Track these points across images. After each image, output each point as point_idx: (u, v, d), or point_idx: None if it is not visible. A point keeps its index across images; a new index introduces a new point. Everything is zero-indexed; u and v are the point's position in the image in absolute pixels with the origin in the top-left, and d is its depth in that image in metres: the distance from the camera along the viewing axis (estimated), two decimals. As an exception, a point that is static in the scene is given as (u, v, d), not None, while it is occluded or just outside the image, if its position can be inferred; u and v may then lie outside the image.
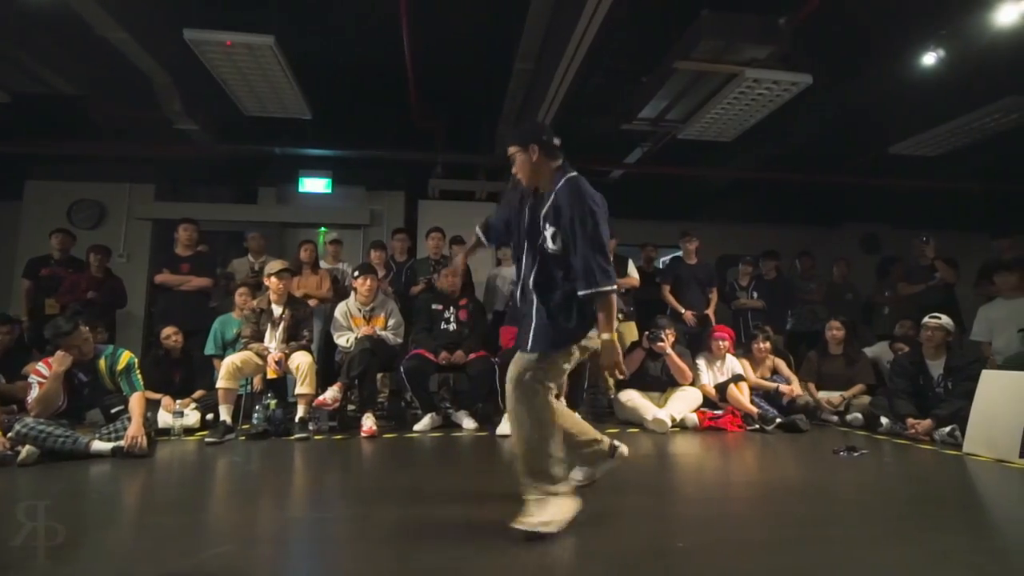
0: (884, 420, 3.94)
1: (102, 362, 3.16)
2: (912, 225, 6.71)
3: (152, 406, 3.78)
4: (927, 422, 3.65)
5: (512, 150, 2.01)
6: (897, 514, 2.18)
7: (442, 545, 1.78)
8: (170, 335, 4.09)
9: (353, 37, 4.40)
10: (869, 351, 4.81)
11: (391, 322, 4.19)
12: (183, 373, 4.11)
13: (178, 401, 3.83)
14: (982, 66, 4.18)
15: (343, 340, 4.07)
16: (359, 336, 3.98)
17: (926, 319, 4.01)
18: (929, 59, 4.06)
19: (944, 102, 4.83)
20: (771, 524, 2.03)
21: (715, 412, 4.17)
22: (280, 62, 4.11)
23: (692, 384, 4.30)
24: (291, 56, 4.17)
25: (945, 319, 3.97)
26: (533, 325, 1.94)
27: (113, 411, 3.12)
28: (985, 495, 2.63)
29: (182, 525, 1.96)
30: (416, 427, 3.87)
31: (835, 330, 4.61)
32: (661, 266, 6.50)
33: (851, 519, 2.08)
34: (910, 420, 3.74)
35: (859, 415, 4.18)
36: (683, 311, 4.98)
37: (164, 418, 3.66)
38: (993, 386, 3.26)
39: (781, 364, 4.59)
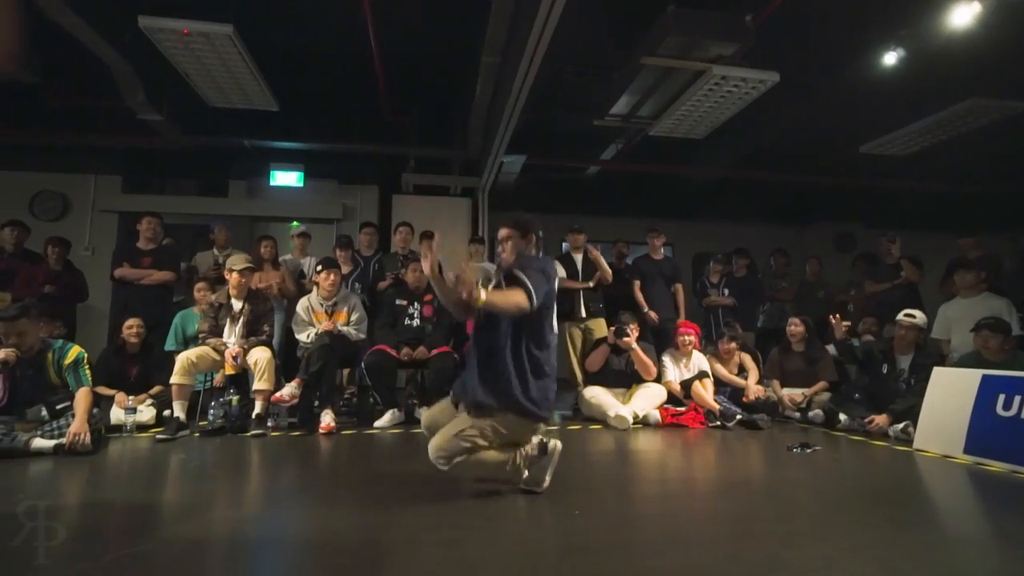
0: (843, 417, 3.98)
1: (49, 356, 3.09)
2: (884, 224, 6.77)
3: (107, 403, 3.73)
4: (883, 417, 3.69)
5: (508, 232, 2.31)
6: (828, 510, 2.18)
7: (399, 542, 1.77)
8: (133, 326, 4.01)
9: (317, 26, 4.32)
10: (832, 348, 4.84)
11: (354, 317, 4.14)
12: (140, 368, 4.03)
13: (132, 397, 3.76)
14: (943, 68, 4.21)
15: (304, 335, 4.02)
16: (319, 332, 3.93)
17: (900, 316, 4.02)
18: (891, 59, 4.08)
19: (910, 103, 4.88)
20: (703, 521, 2.04)
21: (678, 409, 4.18)
22: (240, 52, 4.02)
23: (657, 380, 4.31)
24: (253, 46, 4.09)
25: (920, 317, 3.99)
26: None
27: (59, 407, 3.03)
28: (924, 490, 2.65)
29: (123, 523, 1.92)
30: (376, 423, 3.84)
31: (794, 327, 4.62)
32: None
33: (780, 516, 2.09)
34: (869, 417, 3.78)
35: (820, 412, 4.21)
36: (647, 309, 4.92)
37: (117, 414, 3.59)
38: (942, 383, 3.31)
39: (748, 360, 4.61)
